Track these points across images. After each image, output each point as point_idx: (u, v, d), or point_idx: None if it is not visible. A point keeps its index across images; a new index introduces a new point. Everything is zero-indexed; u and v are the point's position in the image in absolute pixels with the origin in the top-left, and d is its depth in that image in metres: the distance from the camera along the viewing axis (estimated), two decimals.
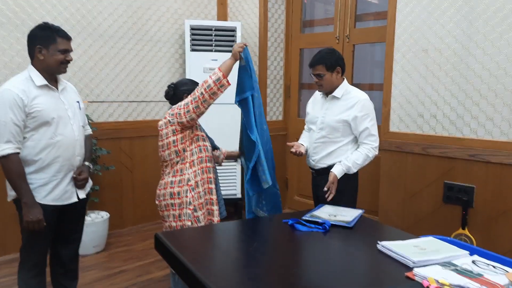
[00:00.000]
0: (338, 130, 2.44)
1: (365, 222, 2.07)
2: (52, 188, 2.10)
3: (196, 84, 2.40)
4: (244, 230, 2.05)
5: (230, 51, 3.85)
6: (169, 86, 2.43)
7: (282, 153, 4.40)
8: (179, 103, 2.27)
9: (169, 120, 2.27)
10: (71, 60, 2.13)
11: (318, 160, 2.51)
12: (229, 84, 2.23)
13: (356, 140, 2.47)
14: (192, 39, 3.84)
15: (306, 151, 2.60)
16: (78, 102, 2.24)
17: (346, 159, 2.42)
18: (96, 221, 3.34)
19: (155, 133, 4.00)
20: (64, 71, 2.13)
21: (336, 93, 2.45)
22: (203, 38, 3.87)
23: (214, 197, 2.37)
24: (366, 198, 2.78)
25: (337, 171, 2.41)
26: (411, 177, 3.07)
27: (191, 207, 2.26)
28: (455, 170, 2.84)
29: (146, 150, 3.99)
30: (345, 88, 2.46)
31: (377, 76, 3.88)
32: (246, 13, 4.23)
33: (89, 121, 3.38)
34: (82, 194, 2.25)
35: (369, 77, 4.05)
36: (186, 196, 2.26)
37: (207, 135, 2.47)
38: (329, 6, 4.17)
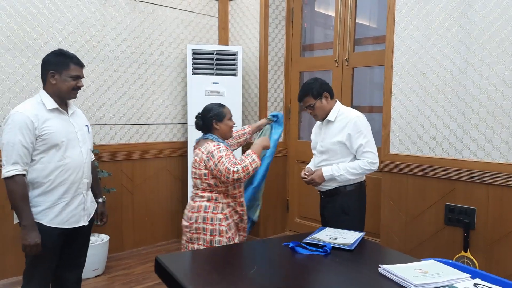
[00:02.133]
0: (337, 152, 2.46)
1: (367, 244, 2.06)
2: (59, 211, 2.11)
3: (221, 106, 2.43)
4: (244, 253, 2.04)
5: (231, 75, 3.96)
6: (196, 117, 2.45)
7: (283, 175, 4.40)
8: (218, 155, 2.23)
9: (204, 160, 2.27)
10: (82, 86, 2.18)
11: (323, 183, 2.52)
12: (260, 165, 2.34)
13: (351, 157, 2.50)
14: (194, 63, 3.91)
15: None
16: (87, 126, 2.29)
17: (339, 164, 2.45)
18: (95, 244, 3.32)
19: (156, 155, 4.06)
20: (74, 97, 2.18)
21: (330, 116, 2.49)
22: (204, 62, 3.93)
23: (244, 224, 2.44)
24: (367, 220, 2.78)
25: (325, 169, 2.45)
26: (412, 199, 3.07)
27: (225, 237, 2.27)
28: (456, 192, 2.84)
29: (147, 173, 4.00)
30: (337, 110, 2.50)
31: (376, 99, 3.92)
32: (247, 37, 4.31)
33: None
34: (89, 218, 2.28)
35: (368, 100, 4.09)
36: (220, 224, 2.27)
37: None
38: (328, 31, 4.26)
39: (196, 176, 2.33)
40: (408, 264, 1.67)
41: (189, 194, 3.93)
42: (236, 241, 2.36)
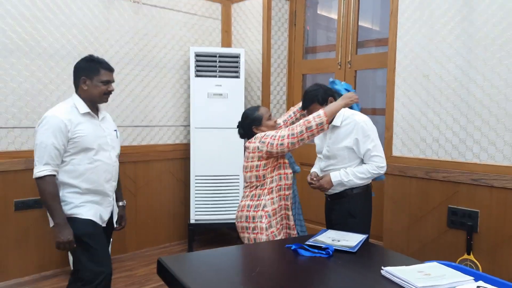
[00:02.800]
0: (344, 157, 2.46)
1: (369, 247, 2.05)
2: (89, 207, 2.19)
3: (256, 109, 2.43)
4: (246, 255, 2.04)
5: (234, 77, 3.96)
6: (238, 126, 2.47)
7: None
8: (271, 133, 2.27)
9: (258, 146, 2.28)
10: (113, 90, 2.26)
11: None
12: (328, 128, 2.26)
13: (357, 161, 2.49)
14: (197, 65, 3.92)
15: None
16: (115, 131, 2.36)
17: (347, 169, 2.45)
18: None
19: (159, 158, 4.06)
20: (106, 101, 2.27)
21: (336, 121, 2.47)
22: (207, 64, 3.94)
23: (291, 222, 2.43)
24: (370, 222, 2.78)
25: (334, 175, 2.44)
26: (415, 201, 3.06)
27: (264, 234, 2.28)
28: (459, 194, 2.83)
29: (150, 175, 4.01)
30: (342, 114, 2.48)
31: (379, 101, 3.92)
32: (250, 40, 4.32)
33: None
34: (114, 218, 2.37)
35: (371, 102, 4.09)
36: (261, 222, 2.28)
37: (290, 158, 2.51)
38: (331, 33, 4.26)
39: (247, 170, 2.34)
40: (411, 266, 1.66)
41: (192, 196, 3.94)
42: (279, 238, 2.35)
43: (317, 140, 2.69)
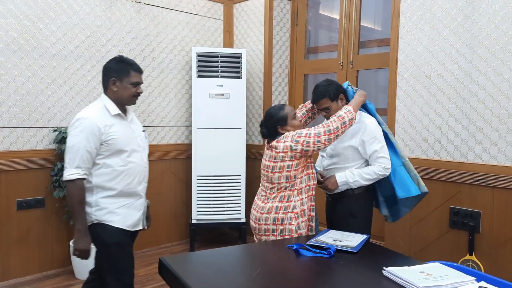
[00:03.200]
0: (348, 156, 2.46)
1: (371, 247, 2.05)
2: (122, 214, 2.17)
3: (281, 108, 2.35)
4: (248, 255, 2.04)
5: (235, 77, 3.96)
6: (260, 125, 2.41)
7: None
8: (304, 131, 2.23)
9: (291, 146, 2.22)
10: (142, 92, 2.24)
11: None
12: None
13: (366, 164, 2.48)
14: (199, 66, 3.92)
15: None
16: (143, 131, 2.35)
17: (353, 169, 2.44)
18: None
19: (161, 157, 4.06)
20: (134, 103, 2.25)
21: None
22: (209, 65, 3.94)
23: (313, 223, 2.37)
24: (372, 223, 2.77)
25: (339, 176, 2.44)
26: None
27: (296, 235, 2.24)
28: (461, 195, 2.83)
29: (151, 174, 3.99)
30: None
31: (381, 101, 3.91)
32: (252, 40, 4.32)
33: None
34: (145, 223, 2.36)
35: (373, 102, 4.06)
36: (290, 224, 2.24)
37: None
38: (333, 33, 4.26)
39: (276, 171, 2.26)
40: (413, 266, 1.66)
41: (194, 196, 3.94)
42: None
43: None
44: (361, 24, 3.80)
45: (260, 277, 1.66)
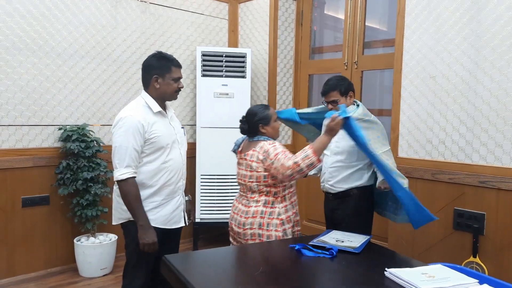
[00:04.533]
0: (354, 155, 2.47)
1: (373, 248, 2.05)
2: (161, 211, 2.18)
3: (266, 108, 2.33)
4: (250, 254, 2.04)
5: (240, 77, 3.97)
6: (241, 121, 2.38)
7: None
8: (274, 152, 2.17)
9: (260, 159, 2.21)
10: (183, 87, 2.25)
11: (334, 184, 2.53)
12: (319, 163, 2.15)
13: (371, 164, 2.48)
14: (203, 65, 3.93)
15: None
16: (183, 128, 2.36)
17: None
18: (104, 244, 3.35)
19: None
20: (176, 98, 2.26)
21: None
22: (214, 64, 3.95)
23: (299, 228, 2.39)
24: (375, 224, 2.77)
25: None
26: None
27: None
28: (465, 196, 2.81)
29: None
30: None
31: (385, 102, 3.90)
32: (257, 40, 4.32)
33: (101, 143, 3.44)
34: (186, 219, 2.37)
35: (378, 103, 4.08)
36: (276, 230, 2.21)
37: None
38: (338, 33, 4.25)
39: (252, 180, 2.25)
40: (415, 268, 1.66)
41: (197, 195, 3.95)
42: None
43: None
44: (366, 24, 3.79)
45: (262, 276, 1.67)
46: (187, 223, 2.39)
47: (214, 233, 4.48)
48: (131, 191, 2.06)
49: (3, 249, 3.19)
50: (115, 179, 2.08)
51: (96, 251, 3.30)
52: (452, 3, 2.84)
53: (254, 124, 2.31)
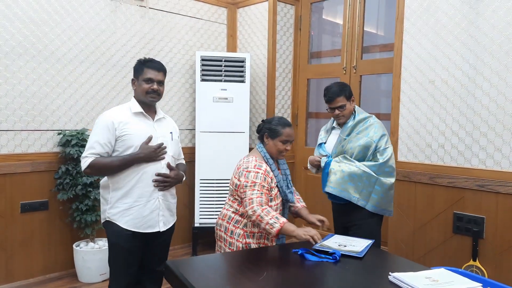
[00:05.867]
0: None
1: (376, 252, 2.05)
2: (134, 213, 2.17)
3: (285, 125, 2.23)
4: (254, 259, 2.04)
5: (239, 82, 3.98)
6: (262, 120, 2.36)
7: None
8: (244, 186, 2.13)
9: (239, 170, 2.21)
10: (157, 89, 2.23)
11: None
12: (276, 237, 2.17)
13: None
14: (202, 70, 3.93)
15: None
16: (171, 133, 2.34)
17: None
18: (103, 249, 3.33)
19: None
20: (152, 100, 2.24)
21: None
22: (213, 69, 3.96)
23: (270, 243, 2.28)
24: None
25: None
26: (420, 207, 3.06)
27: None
28: (464, 200, 2.83)
29: None
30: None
31: (384, 106, 3.92)
32: (255, 44, 4.34)
33: None
34: (166, 226, 2.29)
35: (376, 107, 4.09)
36: (238, 241, 2.18)
37: (288, 185, 2.32)
38: (336, 38, 4.27)
39: (230, 183, 2.27)
40: (419, 272, 1.66)
41: (197, 200, 3.95)
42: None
43: (323, 138, 2.69)
44: (365, 29, 3.81)
45: (266, 282, 1.67)
46: (161, 229, 2.27)
47: (214, 238, 4.46)
48: (101, 165, 2.12)
49: (2, 255, 3.17)
50: (82, 169, 2.15)
51: (95, 257, 3.28)
52: (450, 8, 2.87)
53: (262, 129, 2.30)
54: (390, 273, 1.64)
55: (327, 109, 2.58)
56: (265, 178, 2.14)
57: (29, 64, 3.24)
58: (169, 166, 2.24)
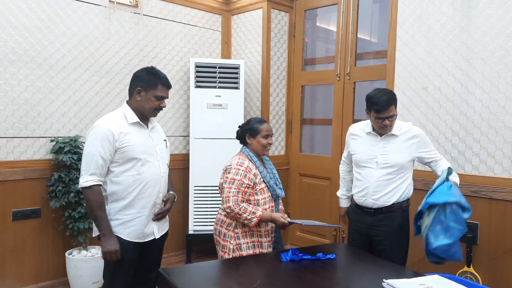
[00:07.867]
0: (406, 167, 2.41)
1: (370, 259, 2.05)
2: (136, 225, 2.14)
3: (261, 122, 2.38)
4: (247, 266, 2.03)
5: (233, 88, 3.98)
6: (239, 126, 2.47)
7: (284, 188, 4.39)
8: (224, 182, 2.26)
9: (223, 169, 2.32)
10: (165, 107, 2.23)
11: (380, 198, 2.42)
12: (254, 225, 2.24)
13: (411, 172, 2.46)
14: (197, 76, 3.93)
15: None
16: (165, 140, 2.33)
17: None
18: (96, 257, 3.30)
19: None
20: (155, 116, 2.24)
21: (395, 131, 2.40)
22: (207, 75, 3.96)
23: (264, 239, 2.33)
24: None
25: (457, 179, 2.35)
26: (413, 213, 3.05)
27: (231, 255, 2.24)
28: None
29: None
30: (397, 124, 2.43)
31: None
32: (250, 51, 4.35)
33: None
34: (160, 233, 2.28)
35: None
36: (230, 243, 2.26)
37: (276, 182, 2.42)
38: (330, 45, 4.30)
39: (219, 186, 2.34)
40: (413, 279, 1.66)
41: (191, 207, 3.93)
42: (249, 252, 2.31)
43: (355, 147, 2.53)
44: (358, 36, 3.83)
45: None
46: (156, 235, 2.27)
47: (208, 245, 4.44)
48: (94, 198, 2.04)
49: None
50: (79, 186, 2.08)
51: (88, 265, 3.25)
52: (443, 15, 2.90)
53: (243, 132, 2.40)
54: (384, 280, 1.63)
55: (376, 118, 2.35)
56: (245, 175, 2.24)
57: (22, 70, 3.22)
58: (163, 199, 2.26)
